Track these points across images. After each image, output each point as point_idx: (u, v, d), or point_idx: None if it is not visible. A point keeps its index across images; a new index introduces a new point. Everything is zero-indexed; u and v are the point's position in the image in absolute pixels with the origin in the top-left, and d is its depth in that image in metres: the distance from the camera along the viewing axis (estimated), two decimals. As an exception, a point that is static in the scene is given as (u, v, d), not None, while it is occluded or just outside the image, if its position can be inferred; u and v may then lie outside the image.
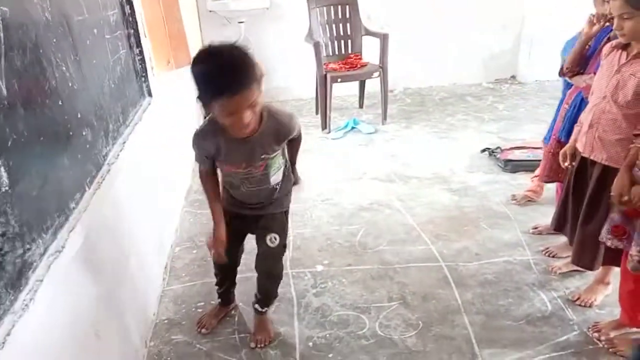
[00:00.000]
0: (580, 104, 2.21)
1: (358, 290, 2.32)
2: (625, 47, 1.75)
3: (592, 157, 1.87)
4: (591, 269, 2.03)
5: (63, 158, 1.45)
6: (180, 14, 3.24)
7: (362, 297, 2.27)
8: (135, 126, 2.21)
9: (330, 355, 1.95)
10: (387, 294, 2.28)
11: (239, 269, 2.19)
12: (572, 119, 2.23)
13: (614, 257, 1.81)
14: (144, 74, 2.53)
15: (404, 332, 2.04)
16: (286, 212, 2.05)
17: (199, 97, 1.56)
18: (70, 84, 1.56)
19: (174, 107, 3.27)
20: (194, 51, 3.79)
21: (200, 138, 1.78)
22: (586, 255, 1.98)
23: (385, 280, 2.38)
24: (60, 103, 1.45)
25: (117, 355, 1.74)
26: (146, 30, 2.72)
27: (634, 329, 1.90)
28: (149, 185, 2.41)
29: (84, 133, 1.63)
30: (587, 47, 2.21)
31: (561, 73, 2.34)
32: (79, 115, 1.59)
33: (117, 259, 1.84)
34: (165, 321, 2.19)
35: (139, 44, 2.45)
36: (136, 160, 2.16)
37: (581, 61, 2.22)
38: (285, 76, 5.01)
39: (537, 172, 2.84)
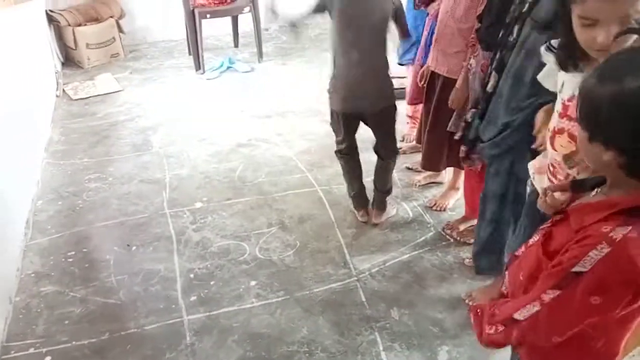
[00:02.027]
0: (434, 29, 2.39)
1: (238, 221, 2.36)
2: None
3: (435, 70, 2.07)
4: (437, 170, 2.32)
5: None
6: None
7: (242, 226, 2.32)
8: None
9: (212, 283, 2.00)
10: (266, 221, 2.35)
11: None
12: (430, 43, 2.42)
13: (457, 160, 2.05)
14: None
15: (283, 253, 2.15)
16: None
17: None
18: None
19: (17, 49, 2.89)
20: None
21: None
22: (433, 159, 2.24)
23: (265, 209, 2.45)
24: None
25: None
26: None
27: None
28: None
29: None
30: None
31: (415, 6, 2.47)
32: None
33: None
34: (32, 274, 2.05)
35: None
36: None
37: None
38: (152, 15, 4.65)
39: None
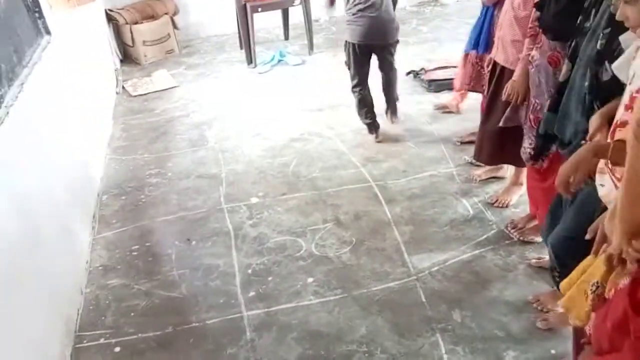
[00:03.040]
0: (485, 15, 2.29)
1: (293, 217, 2.36)
2: None
3: (495, 58, 1.98)
4: (491, 164, 2.23)
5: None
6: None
7: (297, 222, 2.32)
8: (35, 66, 2.02)
9: (270, 279, 2.01)
10: (321, 217, 2.34)
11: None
12: (477, 30, 2.34)
13: (516, 157, 1.95)
14: (37, 10, 2.29)
15: (339, 249, 2.13)
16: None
17: None
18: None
19: (80, 48, 3.02)
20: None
21: None
22: (484, 151, 2.17)
23: (319, 204, 2.44)
24: None
25: (48, 305, 1.70)
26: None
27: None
28: (58, 130, 2.25)
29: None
30: None
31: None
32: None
33: (29, 210, 1.73)
34: (100, 268, 2.15)
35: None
36: (40, 103, 2.00)
37: None
38: (204, 10, 4.72)
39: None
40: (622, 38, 1.15)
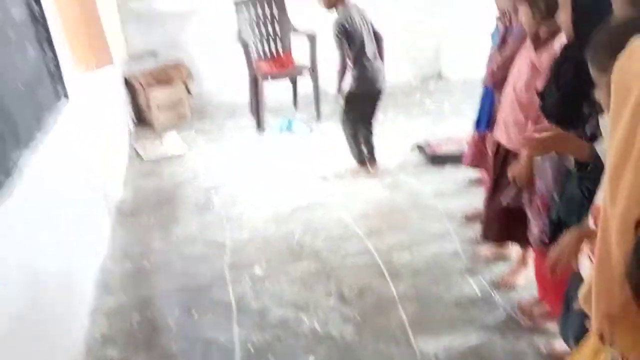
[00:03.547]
0: (486, 95, 2.40)
1: (296, 289, 2.34)
2: (535, 36, 1.87)
3: (498, 139, 2.04)
4: (495, 241, 2.24)
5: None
6: (98, 14, 3.09)
7: (300, 295, 2.29)
8: (51, 130, 2.08)
9: (271, 357, 1.96)
10: (324, 291, 2.31)
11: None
12: (479, 109, 2.44)
13: (522, 237, 1.96)
14: (58, 76, 2.39)
15: (342, 327, 2.09)
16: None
17: None
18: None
19: (97, 112, 3.12)
20: (116, 52, 3.66)
21: None
22: (491, 230, 2.17)
23: (323, 277, 2.42)
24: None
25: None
26: (62, 30, 2.59)
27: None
28: (70, 193, 2.29)
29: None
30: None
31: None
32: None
33: (35, 273, 1.73)
34: (99, 337, 2.10)
35: (51, 44, 2.31)
36: (53, 166, 2.05)
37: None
38: (218, 78, 4.92)
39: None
40: (601, 123, 1.19)
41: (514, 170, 1.90)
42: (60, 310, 1.90)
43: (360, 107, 3.23)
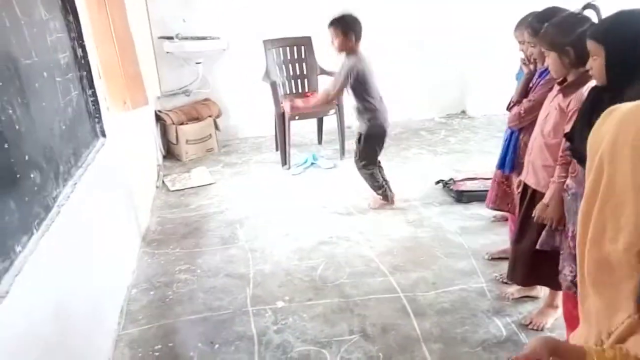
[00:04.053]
0: (510, 138, 2.38)
1: (319, 325, 2.31)
2: (562, 81, 1.89)
3: (525, 181, 2.02)
4: (522, 284, 2.20)
5: (9, 201, 1.42)
6: (136, 56, 3.27)
7: (322, 331, 2.27)
8: (88, 167, 2.18)
9: (291, 393, 1.93)
10: (347, 327, 2.29)
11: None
12: (504, 149, 2.42)
13: (551, 279, 1.91)
14: (97, 115, 2.52)
15: (365, 365, 2.05)
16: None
17: None
18: (17, 127, 1.54)
19: (129, 147, 3.25)
20: (151, 92, 3.84)
21: None
22: (518, 272, 2.12)
23: (346, 313, 2.39)
24: (6, 146, 1.44)
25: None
26: (101, 72, 2.74)
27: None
28: (102, 226, 2.37)
29: (32, 175, 1.60)
30: (530, 84, 2.36)
31: (508, 107, 2.49)
32: (26, 158, 1.57)
33: (66, 303, 1.77)
34: (120, 368, 2.12)
35: (91, 86, 2.45)
36: (88, 201, 2.13)
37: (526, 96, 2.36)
38: (244, 114, 5.07)
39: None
40: None
41: (540, 211, 1.88)
42: (85, 341, 1.93)
43: (376, 146, 3.44)
